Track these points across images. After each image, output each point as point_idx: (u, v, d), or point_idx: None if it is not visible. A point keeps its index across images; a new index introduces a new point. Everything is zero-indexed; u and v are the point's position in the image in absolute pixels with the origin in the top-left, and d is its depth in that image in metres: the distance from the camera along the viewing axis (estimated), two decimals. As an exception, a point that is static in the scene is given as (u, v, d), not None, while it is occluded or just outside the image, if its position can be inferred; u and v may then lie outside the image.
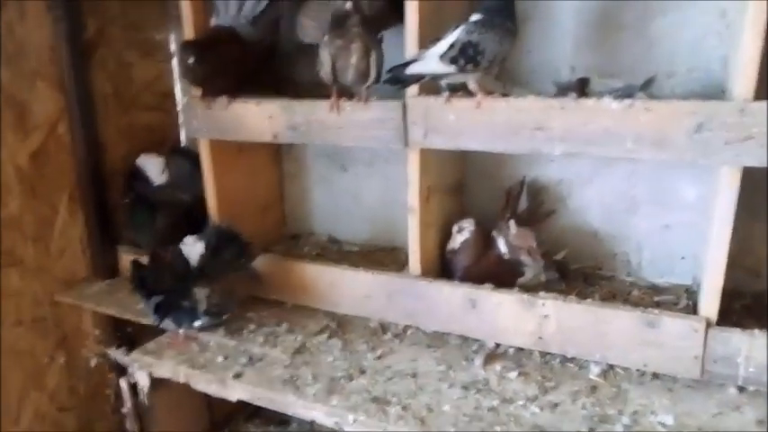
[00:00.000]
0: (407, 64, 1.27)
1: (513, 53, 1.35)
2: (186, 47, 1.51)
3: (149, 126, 2.10)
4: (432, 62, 1.25)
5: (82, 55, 1.83)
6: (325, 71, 1.40)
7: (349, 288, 1.59)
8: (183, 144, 2.13)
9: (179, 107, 2.14)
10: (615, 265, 1.61)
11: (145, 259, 1.57)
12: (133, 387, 1.62)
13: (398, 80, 1.29)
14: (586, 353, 1.33)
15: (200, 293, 1.52)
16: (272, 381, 1.36)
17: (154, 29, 2.06)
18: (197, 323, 1.53)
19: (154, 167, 1.99)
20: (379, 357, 1.43)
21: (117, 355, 1.86)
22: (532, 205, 1.61)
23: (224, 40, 1.54)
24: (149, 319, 1.61)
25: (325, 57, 1.39)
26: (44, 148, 1.80)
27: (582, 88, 1.32)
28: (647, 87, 1.29)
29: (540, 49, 1.53)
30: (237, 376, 1.39)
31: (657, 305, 1.40)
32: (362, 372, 1.38)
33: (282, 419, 1.91)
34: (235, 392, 1.39)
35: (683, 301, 1.45)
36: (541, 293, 1.36)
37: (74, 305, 1.89)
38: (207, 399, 1.48)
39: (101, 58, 1.91)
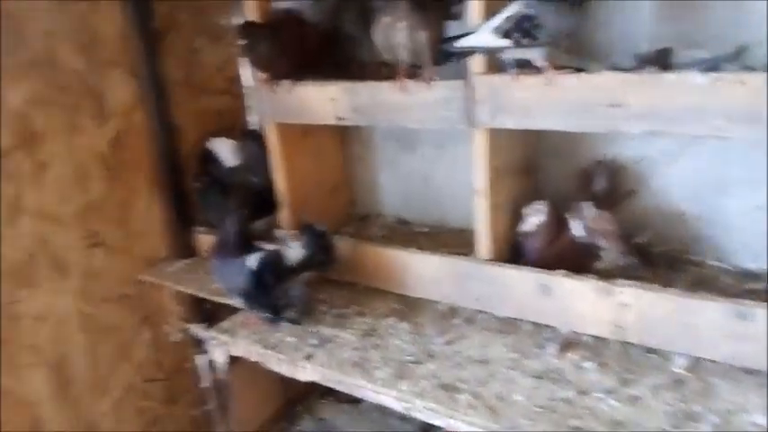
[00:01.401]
0: (459, 37, 1.21)
1: (587, 25, 1.25)
2: (241, 29, 1.51)
3: (219, 110, 2.14)
4: (484, 35, 1.18)
5: (153, 42, 1.87)
6: (379, 50, 1.37)
7: (418, 271, 1.56)
8: (250, 127, 2.16)
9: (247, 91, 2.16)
10: (702, 249, 1.50)
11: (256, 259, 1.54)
12: (211, 364, 1.69)
13: (448, 54, 1.23)
14: (670, 344, 1.25)
15: (294, 290, 1.54)
16: (342, 363, 1.37)
17: (221, 14, 2.08)
18: (286, 316, 1.55)
19: (226, 150, 2.04)
20: (449, 342, 1.41)
21: (197, 331, 1.94)
22: (611, 186, 1.52)
23: (286, 23, 1.53)
24: (226, 299, 1.67)
25: (377, 36, 1.35)
26: (122, 134, 1.87)
27: (664, 61, 1.21)
28: (737, 58, 1.16)
29: (617, 19, 1.42)
30: (308, 357, 1.41)
31: (749, 293, 1.29)
32: (431, 357, 1.36)
33: (355, 398, 1.93)
34: (306, 373, 1.41)
35: (779, 288, 1.33)
36: (620, 280, 1.28)
37: (156, 284, 1.98)
38: (281, 376, 1.52)
39: (171, 44, 1.95)
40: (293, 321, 1.53)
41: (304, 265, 1.54)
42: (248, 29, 1.51)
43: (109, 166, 1.85)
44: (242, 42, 1.48)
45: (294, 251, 1.51)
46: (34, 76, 1.65)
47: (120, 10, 1.81)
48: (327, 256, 1.59)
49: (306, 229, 1.56)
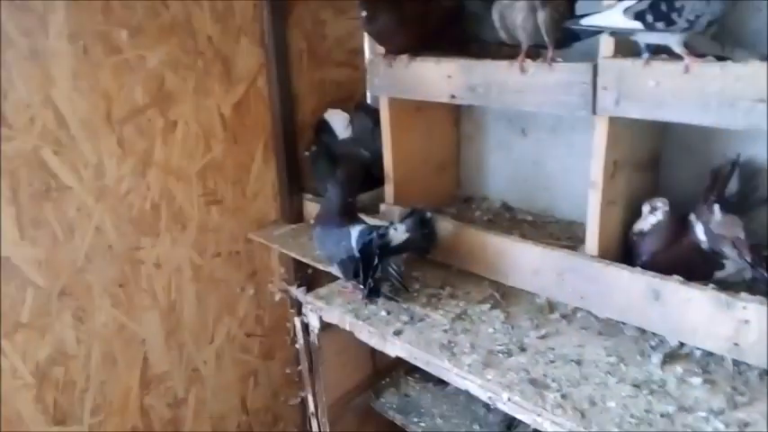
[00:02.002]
0: (586, 16, 1.14)
1: (738, 10, 1.12)
2: (362, 1, 1.51)
3: (338, 82, 2.18)
4: (614, 15, 1.10)
5: (281, 13, 1.94)
6: (498, 30, 1.33)
7: (517, 260, 1.51)
8: (368, 100, 2.18)
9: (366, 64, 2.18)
10: None
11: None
12: (305, 327, 1.74)
13: (572, 35, 1.16)
14: (795, 370, 1.12)
15: (392, 267, 1.54)
16: (430, 343, 1.36)
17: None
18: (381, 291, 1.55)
19: (339, 122, 2.08)
20: (543, 337, 1.35)
21: (297, 293, 2.01)
22: (744, 189, 1.37)
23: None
24: (326, 267, 1.71)
25: (495, 16, 1.31)
26: (245, 99, 1.96)
27: (827, 52, 1.07)
28: None
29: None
30: (398, 333, 1.41)
31: None
32: (523, 349, 1.31)
33: (442, 380, 1.93)
34: (394, 348, 1.42)
35: None
36: (743, 294, 1.16)
37: (263, 244, 2.07)
38: (371, 348, 1.54)
39: (298, 16, 2.01)
40: (388, 297, 1.54)
41: (404, 247, 1.54)
42: (369, 1, 1.51)
43: (231, 129, 1.95)
44: (362, 14, 1.49)
45: (398, 233, 1.51)
46: (172, 39, 1.76)
47: (254, -20, 1.89)
48: (429, 243, 1.58)
49: (413, 213, 1.55)
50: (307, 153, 2.02)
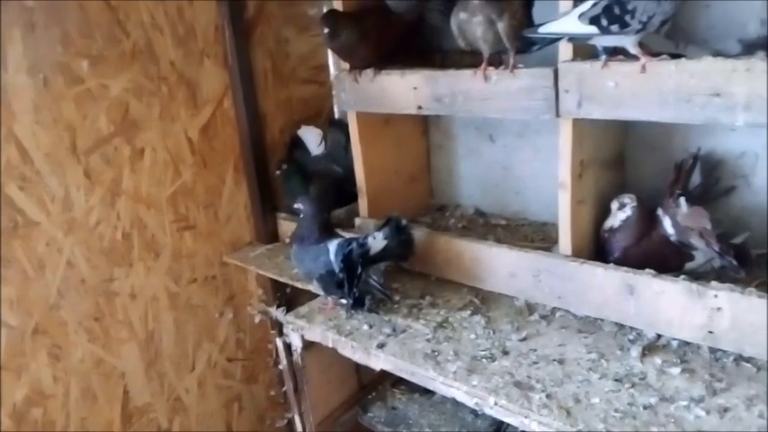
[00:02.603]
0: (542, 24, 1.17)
1: (688, 7, 1.16)
2: (324, 18, 1.52)
3: (305, 99, 2.19)
4: (570, 21, 1.13)
5: (244, 33, 1.94)
6: (459, 43, 1.35)
7: (494, 265, 1.53)
8: (336, 116, 2.19)
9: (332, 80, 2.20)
10: (809, 251, 1.38)
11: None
12: (288, 347, 1.73)
13: (532, 42, 1.19)
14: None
15: (371, 279, 1.55)
16: (414, 353, 1.36)
17: (308, 4, 2.12)
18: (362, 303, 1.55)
19: (313, 138, 2.09)
20: (524, 339, 1.37)
21: (277, 314, 2.00)
22: (707, 181, 1.41)
23: (370, 12, 1.53)
24: (304, 285, 1.71)
25: (454, 30, 1.34)
26: (212, 122, 1.96)
27: (774, 46, 1.11)
28: None
29: (721, 1, 1.31)
30: (381, 346, 1.41)
31: None
32: (505, 353, 1.33)
33: (428, 389, 1.93)
34: (378, 362, 1.42)
35: None
36: (714, 283, 1.19)
37: (240, 267, 2.05)
38: (355, 363, 1.54)
39: (261, 35, 2.02)
40: (369, 310, 1.54)
41: (383, 256, 1.55)
42: (331, 17, 1.52)
43: (199, 153, 1.94)
44: (325, 30, 1.50)
45: (376, 241, 1.52)
46: (134, 67, 1.75)
47: (214, 2, 1.88)
48: (407, 250, 1.59)
49: (389, 221, 1.57)
50: (278, 172, 2.02)
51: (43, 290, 1.65)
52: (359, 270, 1.48)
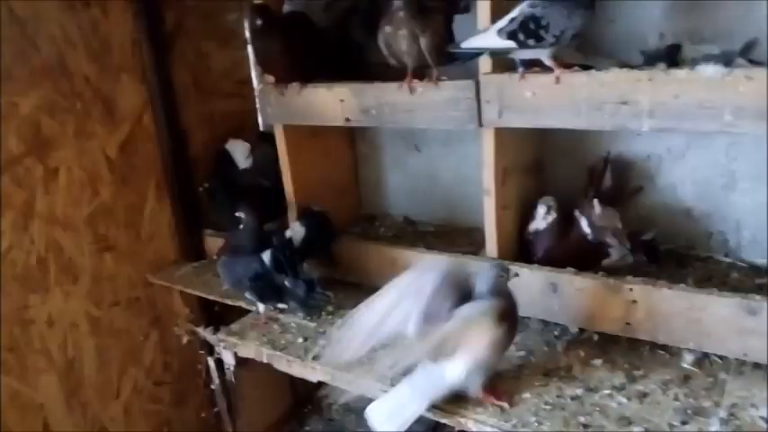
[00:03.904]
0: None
1: (595, 22, 1.25)
2: (254, 9, 1.51)
3: (229, 113, 2.16)
4: (489, 37, 1.19)
5: (162, 47, 1.89)
6: (387, 57, 1.39)
7: (425, 271, 1.57)
8: (261, 129, 2.17)
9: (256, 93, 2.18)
10: (711, 245, 1.50)
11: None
12: (220, 365, 1.70)
13: (453, 56, 1.24)
14: (679, 340, 1.25)
15: (301, 280, 1.55)
16: (350, 363, 1.37)
17: (229, 18, 2.10)
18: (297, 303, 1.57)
19: (240, 152, 2.05)
20: (458, 341, 1.41)
21: (205, 333, 1.95)
22: (618, 183, 1.52)
23: (295, 25, 1.54)
24: (234, 301, 1.69)
25: (381, 44, 1.38)
26: (131, 138, 1.89)
27: (672, 57, 1.21)
28: (748, 53, 1.16)
29: (624, 15, 1.43)
30: (317, 358, 1.41)
31: (759, 289, 1.29)
32: (440, 356, 1.36)
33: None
34: (315, 374, 1.42)
35: (790, 284, 1.33)
36: (628, 277, 1.29)
37: (165, 286, 1.99)
38: (290, 376, 1.52)
39: (180, 49, 1.97)
40: (304, 308, 1.56)
41: (307, 247, 1.58)
42: (263, 11, 1.51)
43: (118, 170, 1.87)
44: (257, 23, 1.49)
45: (296, 231, 1.56)
46: (45, 83, 1.67)
47: (131, 16, 1.83)
48: (327, 234, 1.63)
49: (305, 211, 1.60)
50: (201, 189, 1.97)
51: (-50, 322, 1.54)
52: (287, 267, 1.50)
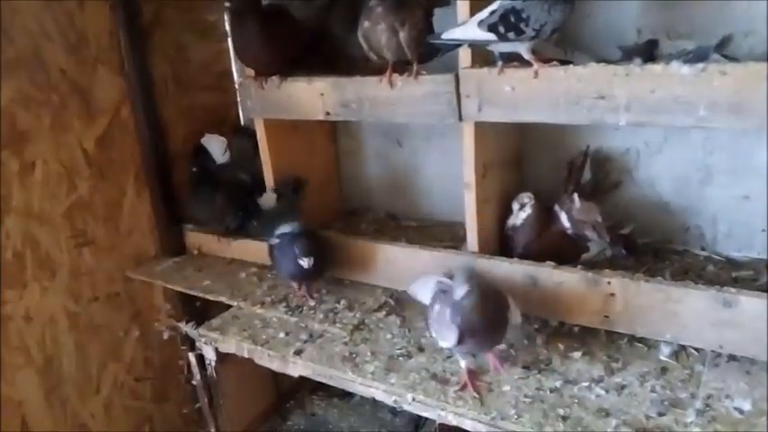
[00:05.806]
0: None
1: (573, 17, 1.26)
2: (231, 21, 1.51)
3: (209, 106, 2.13)
4: (470, 29, 1.19)
5: (140, 39, 1.86)
6: (367, 51, 1.39)
7: (407, 265, 1.57)
8: (242, 123, 2.16)
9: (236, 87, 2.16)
10: (688, 238, 1.52)
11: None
12: (201, 360, 1.68)
13: (434, 49, 1.24)
14: (656, 332, 1.26)
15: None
16: (332, 357, 1.38)
17: (208, 10, 2.08)
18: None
19: (217, 147, 2.02)
20: (438, 335, 1.42)
21: (186, 328, 1.94)
22: (596, 177, 1.53)
23: (274, 16, 1.53)
24: (214, 295, 1.68)
25: (361, 39, 1.38)
26: (109, 132, 1.86)
27: (649, 52, 1.23)
28: (723, 48, 1.18)
29: (602, 11, 1.44)
30: (298, 353, 1.41)
31: (735, 281, 1.31)
32: (421, 350, 1.37)
33: (346, 393, 1.94)
34: (296, 369, 1.42)
35: (764, 277, 1.35)
36: (607, 271, 1.30)
37: (145, 282, 1.97)
38: (272, 372, 1.52)
39: (158, 41, 1.95)
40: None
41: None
42: (238, 19, 1.50)
43: (96, 164, 1.84)
44: (231, 32, 1.48)
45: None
46: (20, 75, 1.64)
47: (107, 8, 1.80)
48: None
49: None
50: (193, 170, 1.96)
51: (-77, 319, 1.51)
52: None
